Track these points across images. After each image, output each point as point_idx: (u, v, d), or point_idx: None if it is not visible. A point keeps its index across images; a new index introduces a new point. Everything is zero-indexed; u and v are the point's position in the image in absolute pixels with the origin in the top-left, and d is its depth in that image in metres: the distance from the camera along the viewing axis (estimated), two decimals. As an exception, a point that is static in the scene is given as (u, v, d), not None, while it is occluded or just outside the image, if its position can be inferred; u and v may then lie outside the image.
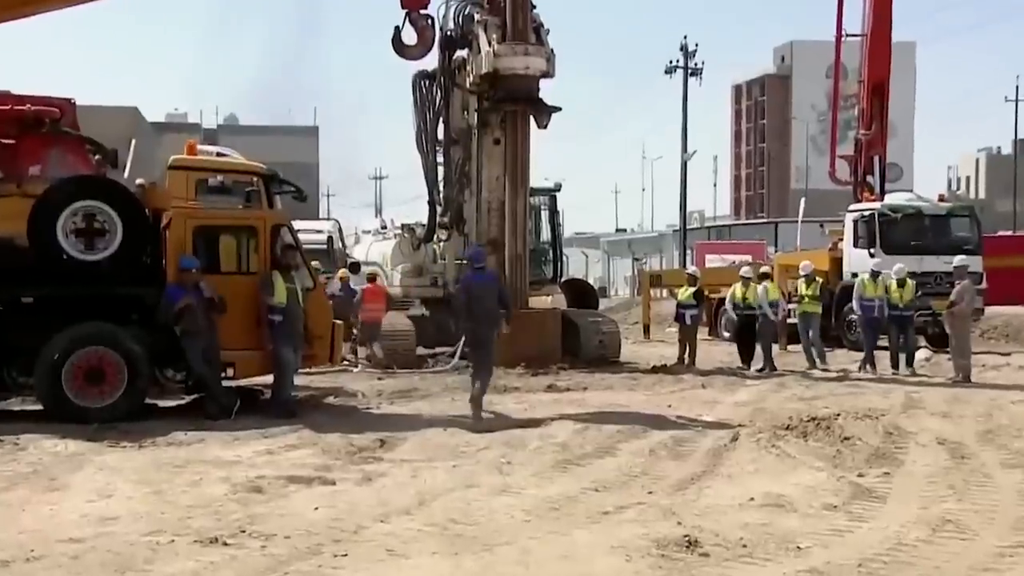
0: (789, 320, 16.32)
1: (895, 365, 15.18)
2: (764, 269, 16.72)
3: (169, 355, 10.33)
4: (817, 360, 15.90)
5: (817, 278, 16.68)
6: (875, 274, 15.53)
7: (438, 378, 13.99)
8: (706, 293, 24.03)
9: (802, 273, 16.32)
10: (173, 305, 9.94)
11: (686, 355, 16.41)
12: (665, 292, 38.22)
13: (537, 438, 8.82)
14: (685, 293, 16.69)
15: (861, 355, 16.86)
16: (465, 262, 11.88)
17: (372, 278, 16.50)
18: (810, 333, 16.11)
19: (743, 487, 6.91)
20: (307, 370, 12.60)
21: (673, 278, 28.93)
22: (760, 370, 15.40)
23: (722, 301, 23.07)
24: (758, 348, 15.93)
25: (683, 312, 16.60)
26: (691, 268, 17.60)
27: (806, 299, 16.09)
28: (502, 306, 10.69)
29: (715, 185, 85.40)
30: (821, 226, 25.17)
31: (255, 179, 11.01)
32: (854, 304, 15.67)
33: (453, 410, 10.84)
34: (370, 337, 15.75)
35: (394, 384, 13.21)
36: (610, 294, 52.76)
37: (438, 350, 16.78)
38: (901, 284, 15.32)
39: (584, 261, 55.07)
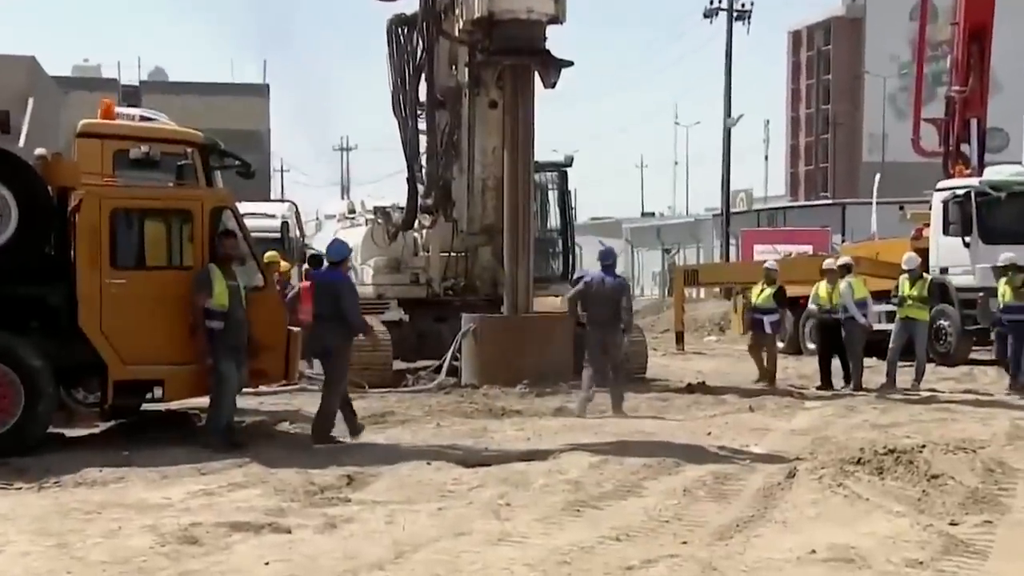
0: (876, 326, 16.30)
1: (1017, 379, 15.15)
2: (845, 260, 16.54)
3: (80, 370, 10.29)
4: (915, 379, 15.80)
5: (925, 275, 16.46)
6: None
7: (420, 399, 14.00)
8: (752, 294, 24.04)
9: (905, 267, 16.12)
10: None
11: (766, 370, 16.46)
12: (702, 292, 38.22)
13: (543, 474, 8.83)
14: (763, 294, 16.67)
15: (951, 371, 16.81)
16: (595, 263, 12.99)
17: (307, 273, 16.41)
18: (915, 345, 15.92)
19: (802, 536, 6.88)
20: (256, 390, 12.59)
21: (714, 274, 29.03)
22: (845, 386, 15.37)
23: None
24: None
25: (760, 318, 16.63)
26: (770, 263, 17.46)
27: (909, 301, 15.85)
28: (622, 313, 12.64)
29: (766, 158, 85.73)
30: (901, 208, 25.10)
31: (189, 150, 10.97)
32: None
33: (439, 439, 10.84)
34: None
35: (365, 406, 13.16)
36: (634, 294, 52.82)
37: (420, 364, 16.79)
38: (1011, 277, 15.24)
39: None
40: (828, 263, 16.46)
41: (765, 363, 16.54)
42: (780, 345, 18.95)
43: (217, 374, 10.20)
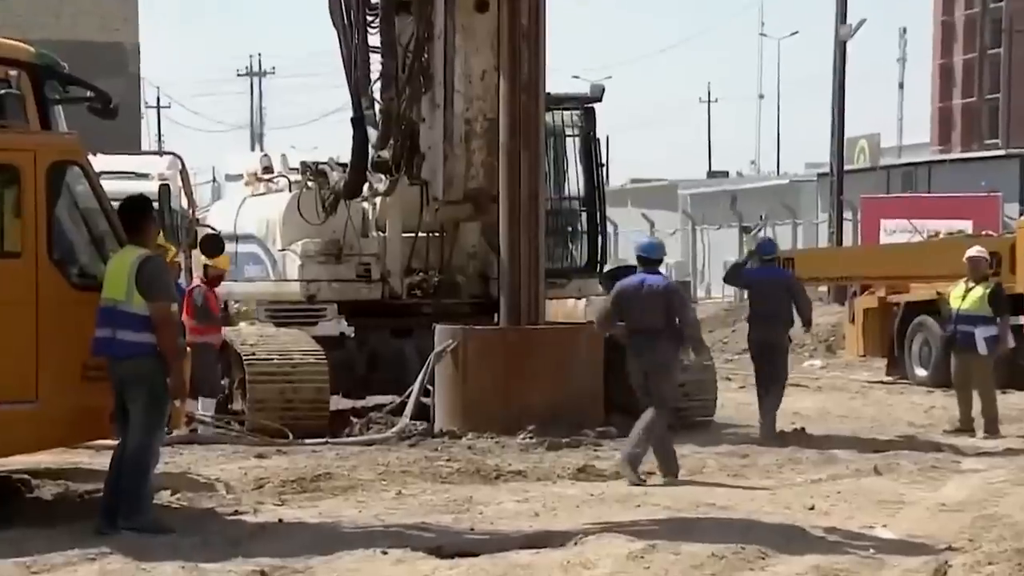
0: None
1: None
2: None
3: None
4: None
5: None
6: None
7: (371, 455, 14.07)
8: (877, 296, 23.98)
9: None
10: None
11: (975, 413, 16.51)
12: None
13: (559, 568, 8.85)
14: (970, 296, 16.71)
15: None
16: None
17: (206, 269, 16.47)
18: None
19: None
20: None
21: (819, 265, 28.86)
22: None
23: (912, 311, 23.22)
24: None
25: (968, 331, 16.68)
26: (975, 250, 17.36)
27: None
28: (798, 311, 16.09)
29: (901, 87, 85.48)
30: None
31: (12, 73, 10.98)
32: None
33: (400, 514, 10.86)
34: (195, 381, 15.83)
35: (288, 466, 13.22)
36: (696, 294, 52.62)
37: (372, 402, 16.90)
38: None
39: (647, 232, 55.15)
40: None
41: (983, 404, 16.52)
42: None
43: (160, 422, 10.38)
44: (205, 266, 16.61)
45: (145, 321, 10.15)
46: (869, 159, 61.15)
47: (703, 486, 12.45)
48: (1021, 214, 34.21)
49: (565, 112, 18.79)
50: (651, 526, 10.16)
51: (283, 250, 17.95)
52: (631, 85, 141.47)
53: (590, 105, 19.18)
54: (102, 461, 12.11)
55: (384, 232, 17.53)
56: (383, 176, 17.36)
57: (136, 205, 10.65)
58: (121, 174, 20.75)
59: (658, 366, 12.97)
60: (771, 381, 15.94)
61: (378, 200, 17.65)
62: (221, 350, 16.39)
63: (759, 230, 54.75)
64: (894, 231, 35.60)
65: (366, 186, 17.58)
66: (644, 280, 13.04)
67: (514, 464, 13.36)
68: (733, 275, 18.34)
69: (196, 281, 16.65)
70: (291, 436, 15.03)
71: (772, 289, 16.14)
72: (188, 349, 11.47)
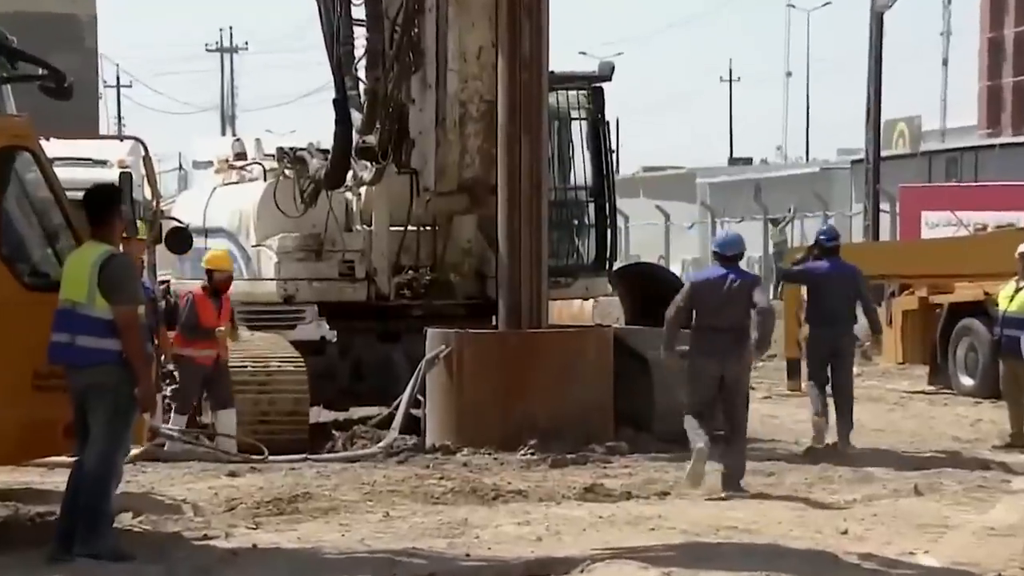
0: None
1: None
2: None
3: None
4: None
5: None
6: None
7: (356, 472, 14.09)
8: (918, 297, 24.01)
9: None
10: None
11: None
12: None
13: (564, 601, 8.84)
14: (1019, 296, 16.78)
15: None
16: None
17: (210, 275, 16.40)
18: None
19: None
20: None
21: (851, 261, 28.92)
22: None
23: (957, 314, 23.20)
24: None
25: (1015, 335, 16.78)
26: None
27: None
28: (865, 313, 16.39)
29: (945, 63, 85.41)
30: None
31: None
32: None
33: (388, 539, 10.88)
34: (184, 398, 15.83)
35: (263, 486, 13.24)
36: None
37: (356, 414, 16.98)
38: None
39: (662, 226, 55.08)
40: None
41: None
42: None
43: (123, 436, 10.28)
44: (208, 271, 16.27)
45: (108, 326, 10.08)
46: (909, 144, 61.13)
47: (724, 507, 12.46)
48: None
49: (571, 93, 18.78)
50: (666, 551, 10.16)
51: (257, 245, 17.96)
52: (644, 63, 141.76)
53: (598, 85, 19.19)
54: (55, 480, 12.18)
55: (370, 226, 17.51)
56: (368, 164, 17.33)
57: (103, 195, 10.54)
58: (77, 161, 20.72)
59: (742, 369, 13.43)
60: (838, 393, 16.04)
61: (363, 190, 17.63)
62: (216, 368, 15.99)
63: (786, 223, 54.81)
64: (936, 224, 35.58)
65: (350, 175, 17.57)
66: (727, 275, 13.33)
67: (514, 483, 13.37)
68: (797, 274, 18.24)
69: (197, 289, 16.36)
70: (267, 452, 15.00)
71: (839, 285, 16.14)
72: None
